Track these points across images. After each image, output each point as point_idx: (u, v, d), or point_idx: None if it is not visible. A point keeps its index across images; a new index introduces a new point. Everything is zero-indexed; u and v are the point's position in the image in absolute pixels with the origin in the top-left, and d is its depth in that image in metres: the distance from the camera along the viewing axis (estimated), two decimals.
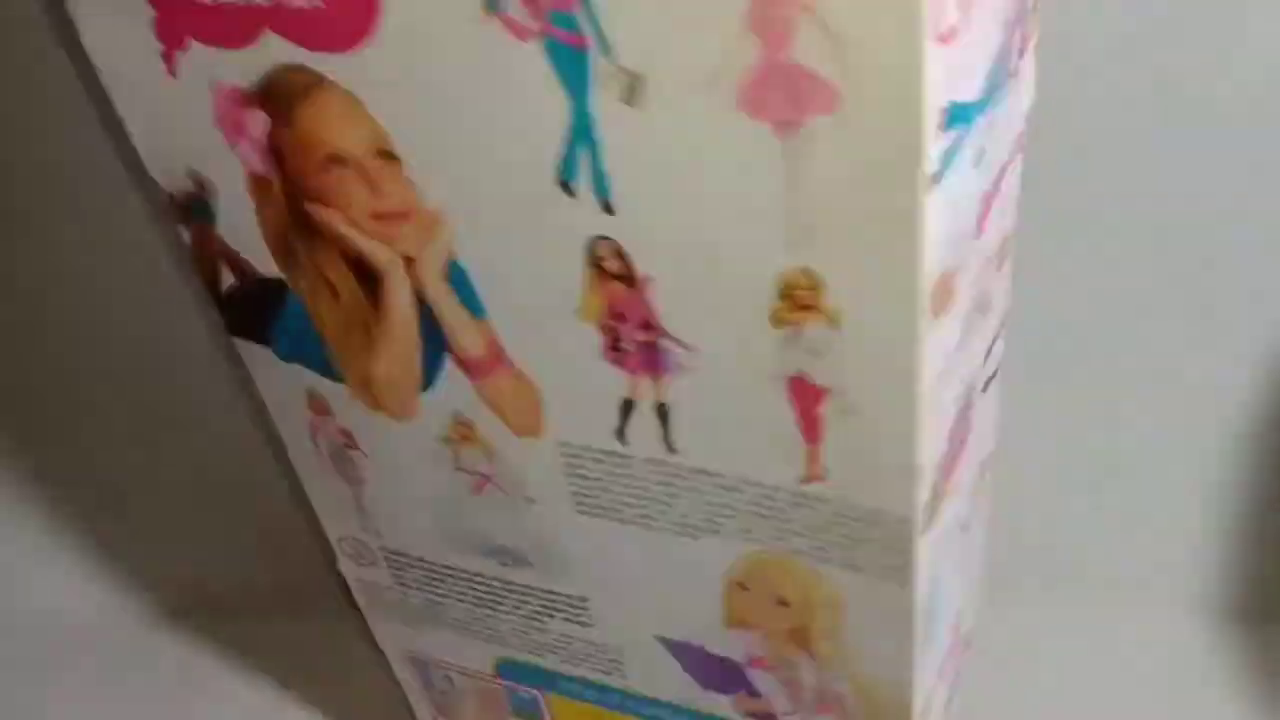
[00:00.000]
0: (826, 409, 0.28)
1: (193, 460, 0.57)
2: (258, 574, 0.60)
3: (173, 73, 0.29)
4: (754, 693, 0.39)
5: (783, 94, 0.23)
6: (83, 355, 0.54)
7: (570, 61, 0.24)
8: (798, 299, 0.26)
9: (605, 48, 0.24)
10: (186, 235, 0.33)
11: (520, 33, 0.24)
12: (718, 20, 0.22)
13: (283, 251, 0.32)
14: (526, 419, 0.33)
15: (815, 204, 0.24)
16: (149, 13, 0.28)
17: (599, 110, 0.25)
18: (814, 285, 0.26)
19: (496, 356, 0.32)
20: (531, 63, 0.25)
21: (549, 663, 0.42)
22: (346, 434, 0.37)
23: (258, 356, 0.36)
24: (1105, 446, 0.50)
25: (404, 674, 0.48)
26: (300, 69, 0.27)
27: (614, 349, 0.30)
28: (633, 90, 0.24)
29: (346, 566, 0.43)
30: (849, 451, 0.29)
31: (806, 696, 0.38)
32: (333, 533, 0.42)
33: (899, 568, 0.31)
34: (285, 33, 0.27)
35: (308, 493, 0.41)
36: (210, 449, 0.57)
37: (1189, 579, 0.54)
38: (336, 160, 0.29)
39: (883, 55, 0.21)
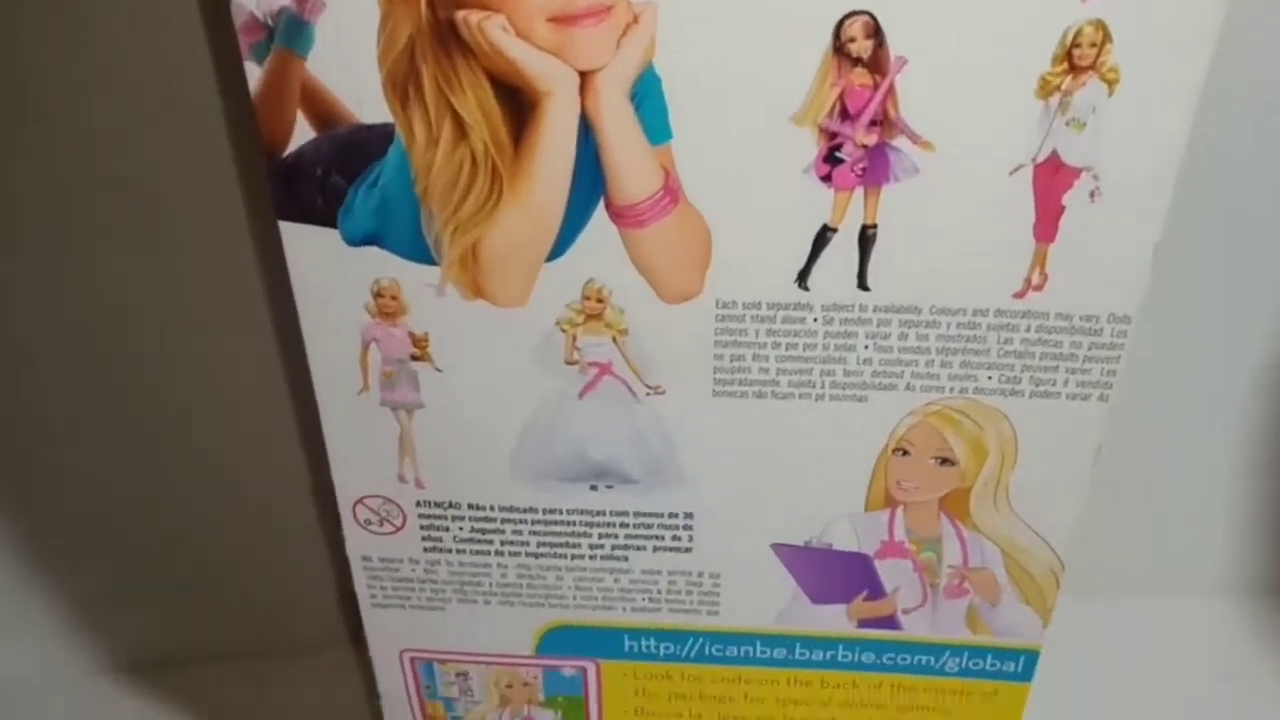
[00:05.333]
0: (1073, 194, 0.29)
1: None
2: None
3: None
4: (877, 591, 0.38)
5: None
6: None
7: None
8: (1076, 59, 0.27)
9: None
10: (257, 74, 0.28)
11: None
12: None
13: (401, 82, 0.28)
14: (687, 275, 0.31)
15: None
16: None
17: None
18: (1101, 41, 0.26)
19: (671, 193, 0.29)
20: None
21: (618, 616, 0.39)
22: (419, 341, 0.33)
23: (311, 247, 0.31)
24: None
25: (392, 686, 0.42)
26: None
27: (828, 160, 0.29)
28: None
29: (358, 541, 0.38)
30: (1081, 246, 0.30)
31: (942, 581, 0.37)
32: (349, 494, 0.37)
33: (1100, 382, 0.32)
34: None
35: (327, 444, 0.35)
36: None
37: (1223, 562, 0.59)
38: None
39: None
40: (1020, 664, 0.39)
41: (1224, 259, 0.46)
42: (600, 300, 0.31)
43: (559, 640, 0.40)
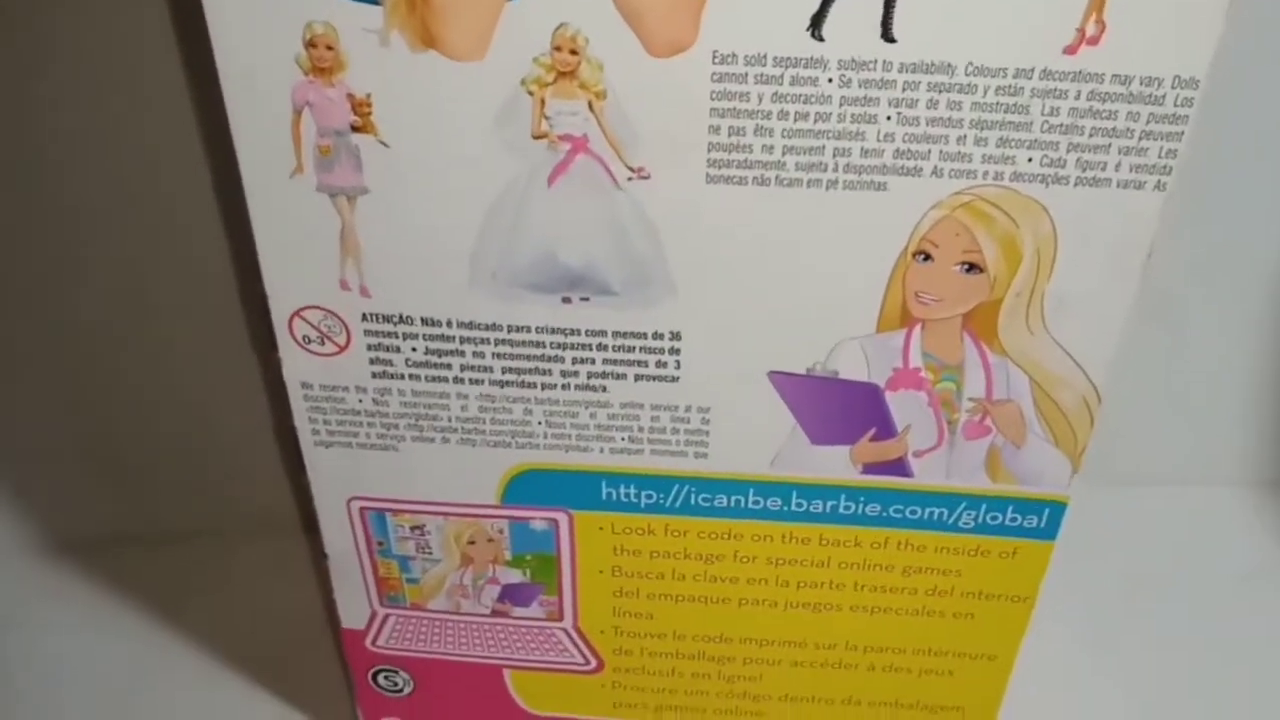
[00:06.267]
0: None
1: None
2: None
3: None
4: (886, 429, 0.33)
5: None
6: None
7: None
8: None
9: None
10: None
11: None
12: None
13: None
14: (678, 16, 0.26)
15: None
16: None
17: None
18: None
19: None
20: None
21: (594, 458, 0.34)
22: (360, 105, 0.27)
23: None
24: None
25: (339, 542, 0.37)
26: None
27: None
28: None
29: (296, 363, 0.33)
30: None
31: (961, 417, 0.32)
32: (285, 306, 0.31)
33: (1158, 166, 0.27)
34: None
35: (257, 243, 0.30)
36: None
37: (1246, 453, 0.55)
38: None
39: None
40: (1044, 519, 0.34)
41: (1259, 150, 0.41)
42: (574, 52, 0.26)
43: (527, 487, 0.35)
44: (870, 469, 0.34)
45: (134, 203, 0.35)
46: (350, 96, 0.27)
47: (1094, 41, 0.26)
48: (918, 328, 0.31)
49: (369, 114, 0.27)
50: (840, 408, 0.33)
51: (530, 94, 0.27)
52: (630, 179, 0.28)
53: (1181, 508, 0.56)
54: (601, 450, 0.34)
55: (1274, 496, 0.57)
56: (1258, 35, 0.40)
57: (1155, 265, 0.29)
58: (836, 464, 0.34)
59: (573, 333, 0.31)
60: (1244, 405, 0.55)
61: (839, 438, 0.33)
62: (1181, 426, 0.56)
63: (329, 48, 0.26)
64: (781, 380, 0.32)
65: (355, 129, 0.28)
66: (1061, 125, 0.27)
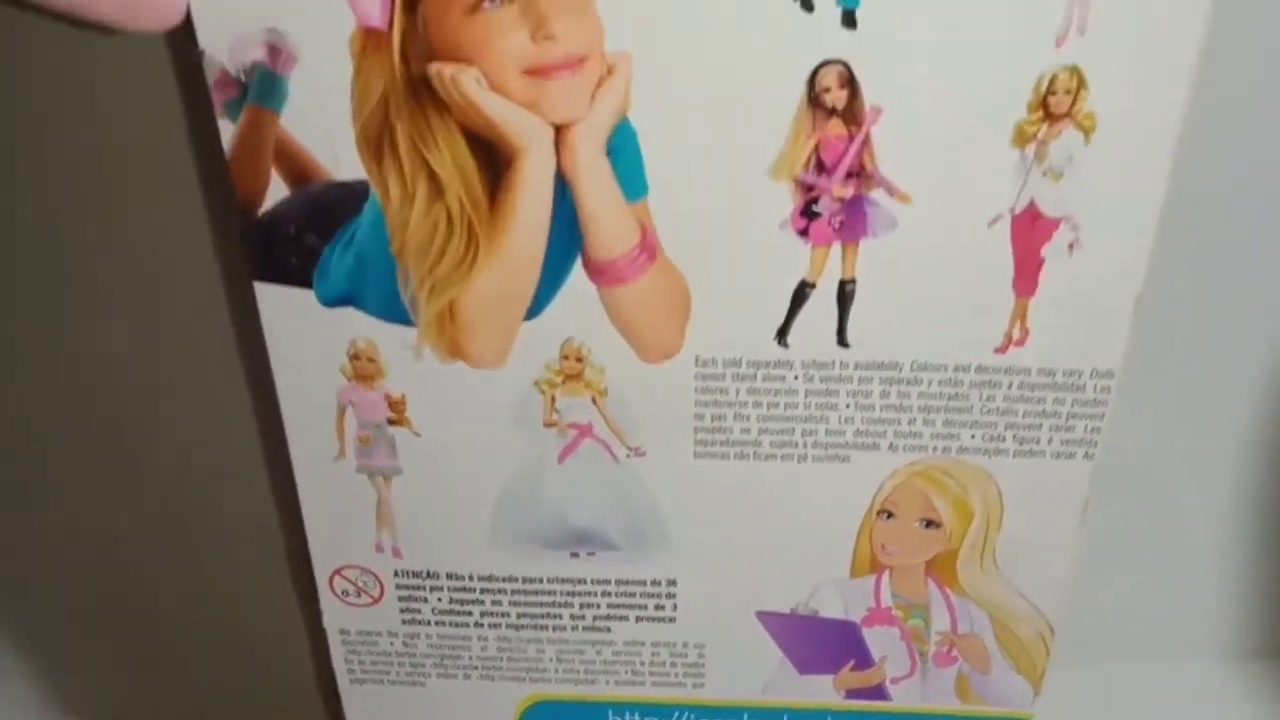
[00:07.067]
0: (1051, 246, 0.28)
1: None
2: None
3: None
4: (864, 660, 0.36)
5: None
6: None
7: None
8: (1052, 107, 0.26)
9: None
10: (230, 131, 0.27)
11: None
12: None
13: (375, 138, 0.27)
14: (666, 332, 0.30)
15: None
16: None
17: None
18: (1076, 87, 0.26)
19: (648, 250, 0.29)
20: None
21: (601, 689, 0.37)
22: (396, 404, 0.31)
23: (286, 308, 0.30)
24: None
25: None
26: None
27: (805, 214, 0.28)
28: None
29: (335, 613, 0.36)
30: (1061, 299, 0.29)
31: (931, 649, 0.36)
32: (327, 564, 0.35)
33: (1085, 440, 0.31)
34: None
35: (304, 512, 0.34)
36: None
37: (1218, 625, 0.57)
38: None
39: None
40: None
41: (1212, 309, 0.45)
42: (579, 359, 0.31)
43: (541, 716, 0.38)
44: (853, 694, 0.37)
45: (193, 472, 0.39)
46: (388, 397, 0.31)
47: (1020, 343, 0.30)
48: (886, 573, 0.34)
49: (404, 411, 0.32)
50: (822, 642, 0.36)
51: (542, 393, 0.31)
52: (629, 456, 0.32)
53: (1159, 681, 0.57)
54: (608, 682, 0.37)
55: (1254, 667, 0.58)
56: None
57: (1124, 437, 0.32)
58: (822, 690, 0.37)
59: (580, 582, 0.35)
60: (1219, 576, 0.57)
61: (823, 668, 0.37)
62: (1158, 599, 0.58)
63: (370, 359, 0.31)
64: (768, 619, 0.36)
65: (391, 422, 0.32)
66: (998, 409, 0.31)
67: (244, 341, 0.32)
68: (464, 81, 0.26)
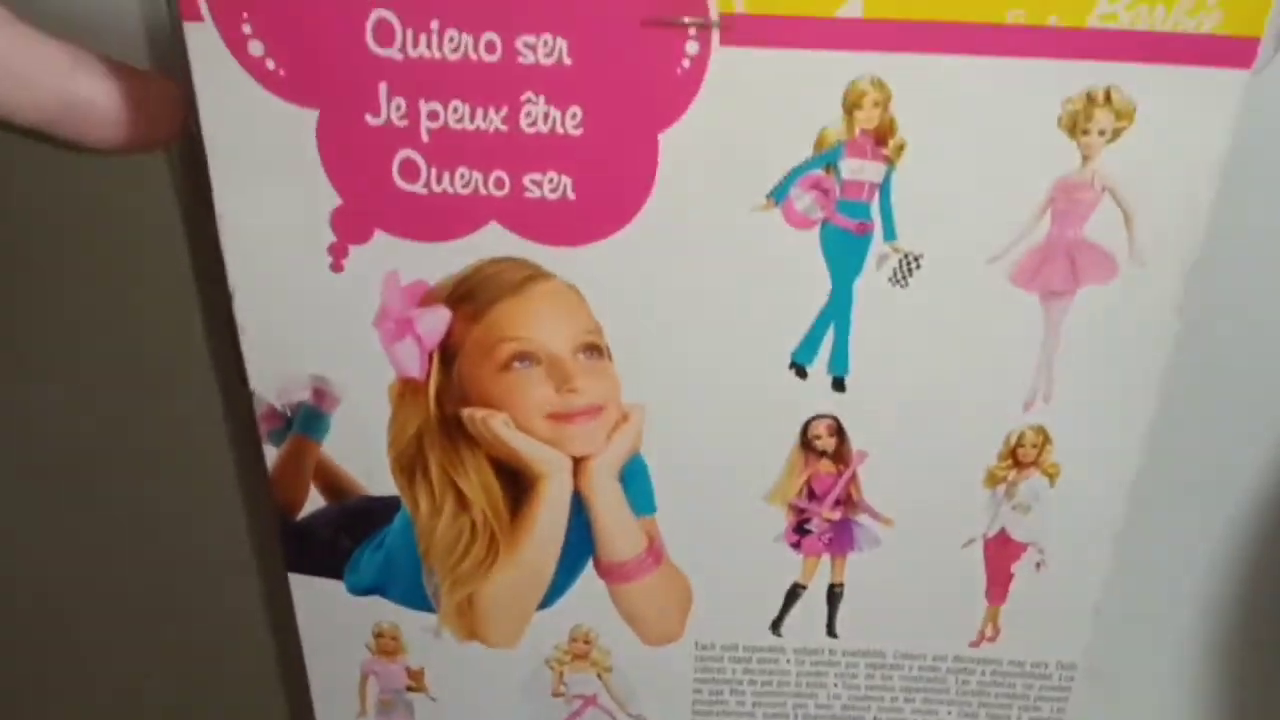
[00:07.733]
0: (1020, 564, 0.31)
1: None
2: None
3: (338, 267, 0.27)
4: None
5: (1063, 268, 0.26)
6: None
7: (846, 247, 0.26)
8: (1020, 457, 0.29)
9: (891, 233, 0.26)
10: (274, 454, 0.30)
11: (799, 222, 0.26)
12: (1019, 204, 0.25)
13: (408, 464, 0.30)
14: (668, 623, 0.33)
15: (1064, 365, 0.28)
16: (332, 201, 0.26)
17: (861, 291, 0.27)
18: (1042, 443, 0.29)
19: (654, 556, 0.31)
20: (802, 249, 0.26)
21: None
22: (415, 675, 0.34)
23: (317, 594, 0.32)
24: None
25: None
26: (518, 263, 0.27)
27: (798, 531, 0.31)
28: (908, 271, 0.26)
29: None
30: (1029, 606, 0.32)
31: None
32: None
33: (1051, 718, 0.34)
34: (517, 226, 0.26)
35: None
36: None
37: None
38: (525, 356, 0.28)
39: (1169, 226, 0.26)
40: None
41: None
42: (587, 642, 0.33)
43: None
44: None
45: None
46: (408, 669, 0.34)
47: (992, 640, 0.33)
48: None
49: (422, 680, 0.34)
50: None
51: (552, 669, 0.34)
52: None
53: None
54: None
55: None
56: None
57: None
58: None
59: None
60: None
61: None
62: None
63: (393, 639, 0.33)
64: None
65: (410, 689, 0.34)
66: (973, 690, 0.34)
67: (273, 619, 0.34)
68: (495, 424, 0.29)
